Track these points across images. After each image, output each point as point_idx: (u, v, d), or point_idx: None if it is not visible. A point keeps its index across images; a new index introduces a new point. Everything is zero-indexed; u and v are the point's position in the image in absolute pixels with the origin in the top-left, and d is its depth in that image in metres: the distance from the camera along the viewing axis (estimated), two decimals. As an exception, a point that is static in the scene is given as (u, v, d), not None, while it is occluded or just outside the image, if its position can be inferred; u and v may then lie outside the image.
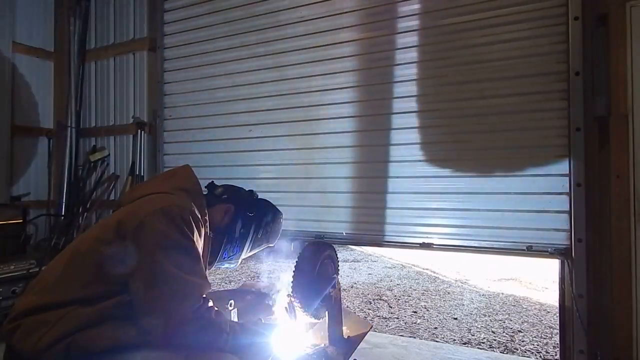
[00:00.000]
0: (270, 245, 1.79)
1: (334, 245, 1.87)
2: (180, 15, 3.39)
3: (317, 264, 1.68)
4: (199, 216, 1.36)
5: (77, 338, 1.13)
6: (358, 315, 2.31)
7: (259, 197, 1.77)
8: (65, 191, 3.76)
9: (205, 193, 1.60)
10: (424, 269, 6.40)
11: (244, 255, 1.69)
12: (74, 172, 3.78)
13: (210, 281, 1.35)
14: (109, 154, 3.73)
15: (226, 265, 1.68)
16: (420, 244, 2.53)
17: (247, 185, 1.79)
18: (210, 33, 3.24)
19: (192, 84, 3.32)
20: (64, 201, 3.74)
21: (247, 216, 1.64)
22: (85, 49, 3.84)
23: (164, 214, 1.25)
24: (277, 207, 1.79)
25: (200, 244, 1.36)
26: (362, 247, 6.92)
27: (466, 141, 2.43)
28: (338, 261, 1.86)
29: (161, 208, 1.27)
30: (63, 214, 3.71)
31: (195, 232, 1.31)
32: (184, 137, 3.38)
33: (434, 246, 2.50)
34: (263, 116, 3.02)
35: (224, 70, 3.18)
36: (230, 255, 1.63)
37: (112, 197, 3.65)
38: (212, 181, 1.72)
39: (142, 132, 3.50)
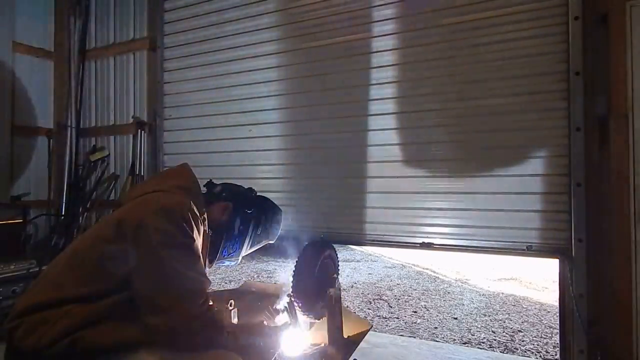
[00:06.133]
0: (271, 241, 1.79)
1: (334, 245, 1.87)
2: (180, 15, 3.39)
3: (317, 264, 1.69)
4: (198, 214, 1.37)
5: (78, 336, 1.13)
6: (358, 315, 2.31)
7: (258, 194, 1.77)
8: (65, 191, 3.75)
9: (204, 191, 1.61)
10: (424, 269, 6.41)
11: (244, 252, 1.69)
12: (74, 172, 3.77)
13: (210, 280, 1.36)
14: (109, 154, 3.73)
15: (227, 263, 1.68)
16: (420, 244, 2.53)
17: (247, 185, 1.79)
18: (210, 33, 3.24)
19: (192, 84, 3.32)
20: (64, 201, 3.74)
21: (245, 213, 1.64)
22: (85, 49, 3.84)
23: (164, 212, 1.26)
24: (277, 204, 1.79)
25: (199, 242, 1.37)
26: (363, 247, 6.92)
27: (466, 141, 2.43)
28: (338, 261, 1.86)
29: (161, 207, 1.27)
30: (63, 214, 3.71)
31: (195, 230, 1.32)
32: (184, 137, 3.38)
33: (434, 246, 2.50)
34: (263, 116, 3.02)
35: (223, 70, 3.18)
36: (230, 252, 1.64)
37: (112, 197, 3.65)
38: (211, 179, 1.72)
39: (142, 132, 3.50)
